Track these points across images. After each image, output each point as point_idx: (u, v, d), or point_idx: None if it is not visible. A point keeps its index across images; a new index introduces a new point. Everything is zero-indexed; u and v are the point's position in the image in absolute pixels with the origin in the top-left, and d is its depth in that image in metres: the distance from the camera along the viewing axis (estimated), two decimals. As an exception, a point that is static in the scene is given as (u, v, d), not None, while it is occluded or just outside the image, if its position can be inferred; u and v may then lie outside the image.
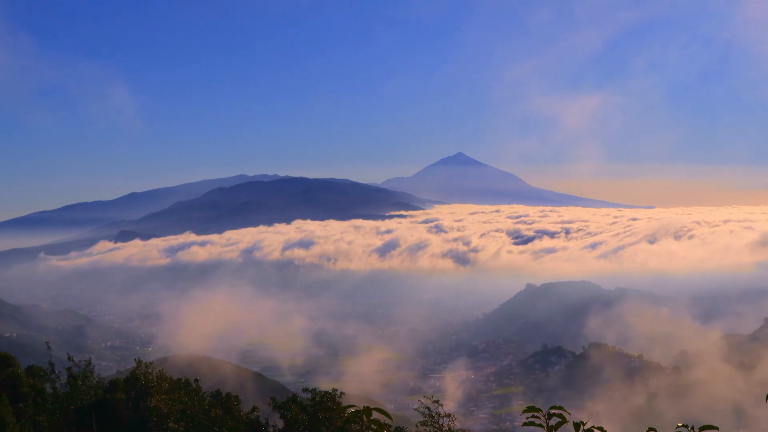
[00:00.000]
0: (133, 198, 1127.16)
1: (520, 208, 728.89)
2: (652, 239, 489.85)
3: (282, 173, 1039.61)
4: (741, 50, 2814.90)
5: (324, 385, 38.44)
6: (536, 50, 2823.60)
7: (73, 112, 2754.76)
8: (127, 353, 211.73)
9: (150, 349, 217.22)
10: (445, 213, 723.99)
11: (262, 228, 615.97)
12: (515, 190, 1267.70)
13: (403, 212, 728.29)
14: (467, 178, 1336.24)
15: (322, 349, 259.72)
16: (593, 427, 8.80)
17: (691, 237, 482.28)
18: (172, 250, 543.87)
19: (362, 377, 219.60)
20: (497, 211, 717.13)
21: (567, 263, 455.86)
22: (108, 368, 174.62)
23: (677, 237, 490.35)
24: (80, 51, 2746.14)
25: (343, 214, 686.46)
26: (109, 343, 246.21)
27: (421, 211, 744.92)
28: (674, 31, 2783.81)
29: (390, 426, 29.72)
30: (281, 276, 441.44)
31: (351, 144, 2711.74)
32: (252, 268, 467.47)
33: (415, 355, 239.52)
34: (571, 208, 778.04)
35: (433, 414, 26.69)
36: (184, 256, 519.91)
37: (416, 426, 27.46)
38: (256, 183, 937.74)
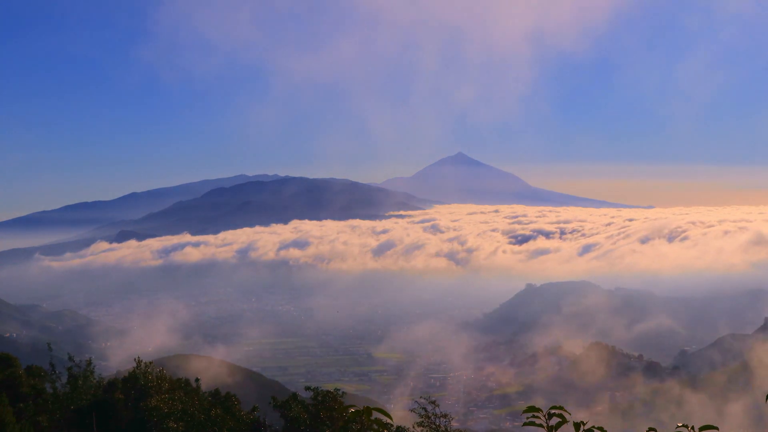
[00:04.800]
0: (133, 198, 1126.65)
1: (519, 208, 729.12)
2: (645, 240, 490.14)
3: (282, 173, 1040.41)
4: (741, 50, 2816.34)
5: (324, 385, 38.43)
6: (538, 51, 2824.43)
7: (74, 111, 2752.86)
8: (126, 353, 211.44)
9: (150, 349, 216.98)
10: (444, 213, 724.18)
11: (258, 228, 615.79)
12: (515, 190, 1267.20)
13: (402, 212, 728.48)
14: (467, 178, 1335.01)
15: (318, 349, 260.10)
16: (593, 427, 8.81)
17: (684, 238, 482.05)
18: (165, 251, 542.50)
19: (362, 377, 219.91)
20: (496, 211, 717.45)
21: (561, 264, 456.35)
22: (108, 368, 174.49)
23: (671, 238, 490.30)
24: (75, 54, 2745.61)
25: (342, 214, 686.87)
26: (108, 343, 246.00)
27: (420, 211, 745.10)
28: (673, 31, 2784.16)
29: (391, 426, 29.81)
30: (274, 276, 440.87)
31: (351, 144, 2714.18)
32: (245, 269, 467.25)
33: (415, 355, 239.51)
34: (570, 208, 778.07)
35: (430, 414, 26.70)
36: (177, 257, 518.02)
37: (413, 426, 27.49)
38: (256, 183, 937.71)
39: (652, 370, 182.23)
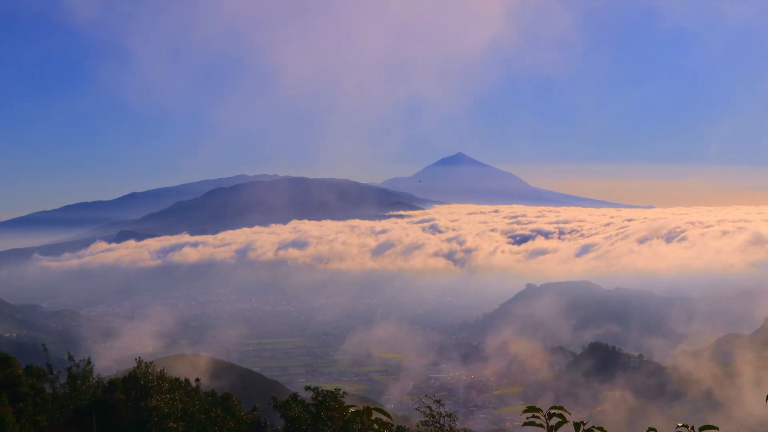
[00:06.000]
0: (133, 198, 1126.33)
1: (519, 208, 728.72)
2: (643, 240, 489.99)
3: (282, 173, 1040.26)
4: (742, 49, 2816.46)
5: (324, 385, 38.50)
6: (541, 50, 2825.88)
7: (73, 111, 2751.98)
8: (126, 353, 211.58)
9: (150, 349, 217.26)
10: (444, 213, 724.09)
11: (257, 228, 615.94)
12: (515, 190, 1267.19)
13: (402, 212, 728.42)
14: (467, 178, 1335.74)
15: (318, 349, 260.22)
16: (593, 427, 8.82)
17: (682, 238, 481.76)
18: (164, 251, 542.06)
19: (361, 377, 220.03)
20: (496, 211, 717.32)
21: (559, 264, 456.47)
22: (108, 368, 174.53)
23: (669, 238, 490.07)
24: (74, 54, 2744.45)
25: (342, 214, 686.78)
26: (108, 343, 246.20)
27: (420, 211, 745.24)
28: (674, 31, 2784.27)
29: (391, 426, 29.81)
30: (273, 276, 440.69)
31: (351, 144, 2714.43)
32: (243, 269, 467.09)
33: (415, 355, 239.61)
34: (570, 209, 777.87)
35: (435, 414, 26.65)
36: (175, 257, 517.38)
37: (417, 426, 27.46)
38: (256, 183, 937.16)
39: (651, 370, 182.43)
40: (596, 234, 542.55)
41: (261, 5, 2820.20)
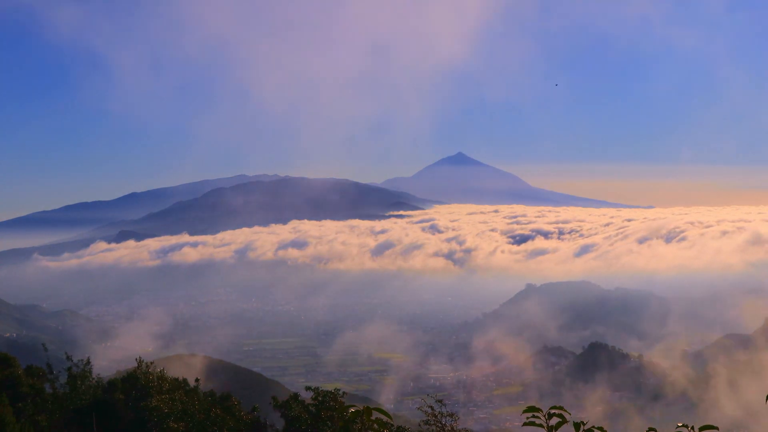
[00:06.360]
0: (133, 198, 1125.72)
1: (518, 209, 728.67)
2: (642, 240, 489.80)
3: (282, 173, 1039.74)
4: (741, 49, 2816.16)
5: (324, 385, 38.53)
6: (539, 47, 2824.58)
7: (74, 111, 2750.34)
8: (125, 353, 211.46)
9: (150, 349, 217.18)
10: (444, 213, 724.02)
11: (257, 228, 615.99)
12: (515, 190, 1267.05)
13: (402, 212, 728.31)
14: (467, 178, 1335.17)
15: (318, 349, 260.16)
16: (593, 427, 8.83)
17: (682, 239, 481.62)
18: (164, 251, 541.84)
19: (362, 377, 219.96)
20: (496, 211, 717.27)
21: (558, 264, 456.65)
22: (108, 368, 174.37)
23: (669, 238, 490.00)
24: (74, 54, 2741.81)
25: (341, 214, 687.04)
26: (108, 343, 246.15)
27: (420, 211, 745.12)
28: (674, 30, 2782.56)
29: (391, 426, 29.84)
30: (273, 276, 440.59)
31: (351, 144, 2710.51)
32: (243, 269, 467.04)
33: (415, 355, 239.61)
34: (570, 209, 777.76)
35: (436, 413, 26.69)
36: (175, 257, 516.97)
37: (419, 425, 27.52)
38: (256, 183, 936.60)
39: (652, 370, 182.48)
40: (596, 234, 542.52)
41: (253, 10, 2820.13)
